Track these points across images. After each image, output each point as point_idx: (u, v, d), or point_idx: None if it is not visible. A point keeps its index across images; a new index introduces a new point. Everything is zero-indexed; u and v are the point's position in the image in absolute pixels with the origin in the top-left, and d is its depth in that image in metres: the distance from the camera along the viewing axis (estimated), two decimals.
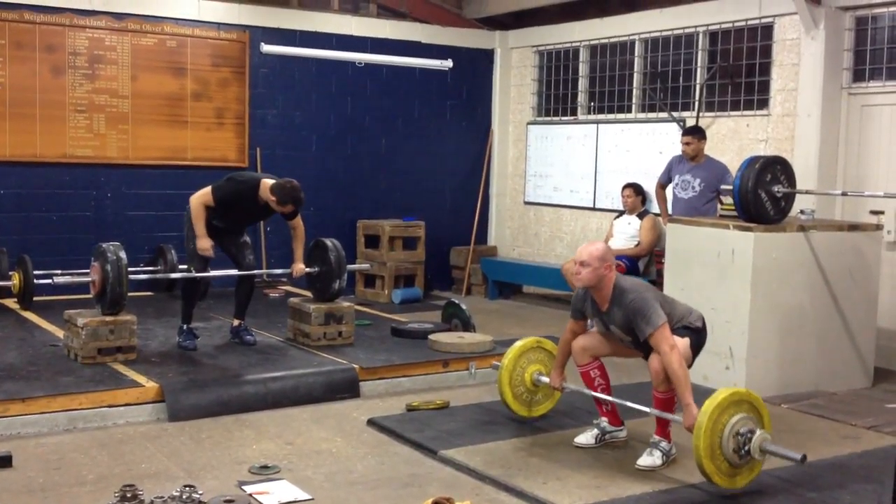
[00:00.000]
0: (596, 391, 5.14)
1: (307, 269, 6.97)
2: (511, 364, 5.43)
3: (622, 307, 4.78)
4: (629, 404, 4.99)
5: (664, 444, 4.79)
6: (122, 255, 6.19)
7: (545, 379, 5.40)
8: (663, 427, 4.82)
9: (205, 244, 6.56)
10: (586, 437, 5.13)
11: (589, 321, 5.16)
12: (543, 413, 5.62)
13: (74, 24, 8.87)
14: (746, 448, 4.33)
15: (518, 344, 5.50)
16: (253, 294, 7.02)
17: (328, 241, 7.01)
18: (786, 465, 4.86)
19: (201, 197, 6.58)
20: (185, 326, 6.76)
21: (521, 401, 5.51)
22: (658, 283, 6.88)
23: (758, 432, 4.34)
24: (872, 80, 7.68)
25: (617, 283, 4.83)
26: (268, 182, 6.53)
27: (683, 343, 4.75)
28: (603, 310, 4.90)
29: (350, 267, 7.28)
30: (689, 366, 4.78)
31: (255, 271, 7.04)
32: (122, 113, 9.14)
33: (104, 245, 6.27)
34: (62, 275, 7.34)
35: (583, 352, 5.13)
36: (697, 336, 4.88)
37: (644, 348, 4.86)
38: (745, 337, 6.24)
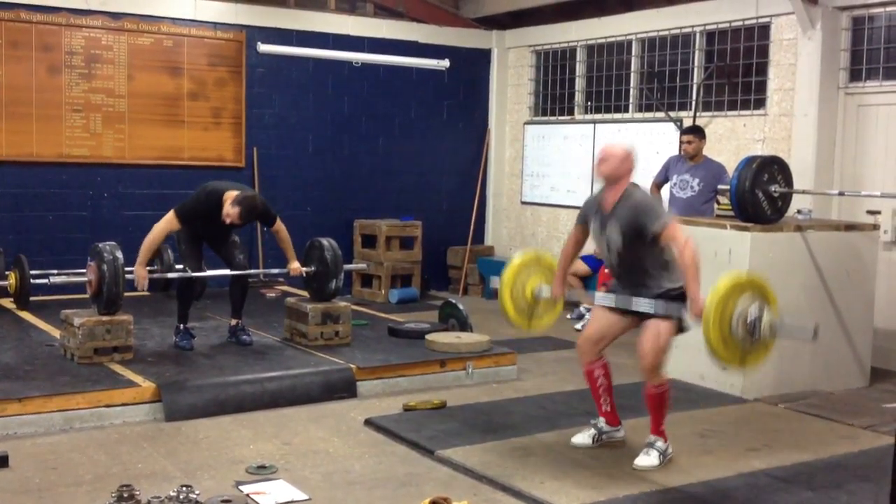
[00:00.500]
0: (598, 391, 5.12)
1: (304, 269, 6.96)
2: (511, 279, 5.36)
3: (629, 205, 4.74)
4: (635, 300, 4.77)
5: (660, 443, 4.79)
6: (119, 254, 6.18)
7: (546, 293, 5.33)
8: (658, 425, 4.80)
9: (141, 272, 6.42)
10: (583, 437, 5.13)
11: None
12: (545, 326, 5.52)
13: (71, 24, 8.86)
14: (757, 332, 4.32)
15: (517, 259, 5.43)
16: (247, 293, 7.00)
17: (325, 241, 7.00)
18: (783, 464, 4.87)
19: (165, 223, 6.46)
20: (181, 326, 6.75)
21: (522, 315, 5.41)
22: None
23: (766, 314, 4.33)
24: (869, 79, 7.69)
25: (629, 188, 4.82)
26: (231, 193, 6.43)
27: (667, 329, 4.67)
28: (607, 210, 4.83)
29: (347, 267, 7.27)
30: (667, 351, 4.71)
31: (249, 271, 7.03)
32: (119, 112, 9.13)
33: (100, 245, 6.26)
34: (59, 274, 7.35)
35: (589, 345, 5.04)
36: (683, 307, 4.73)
37: (632, 255, 4.74)
38: None
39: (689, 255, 4.52)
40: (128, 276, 6.27)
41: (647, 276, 4.77)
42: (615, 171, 4.82)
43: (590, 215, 4.99)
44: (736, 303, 4.32)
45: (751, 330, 4.31)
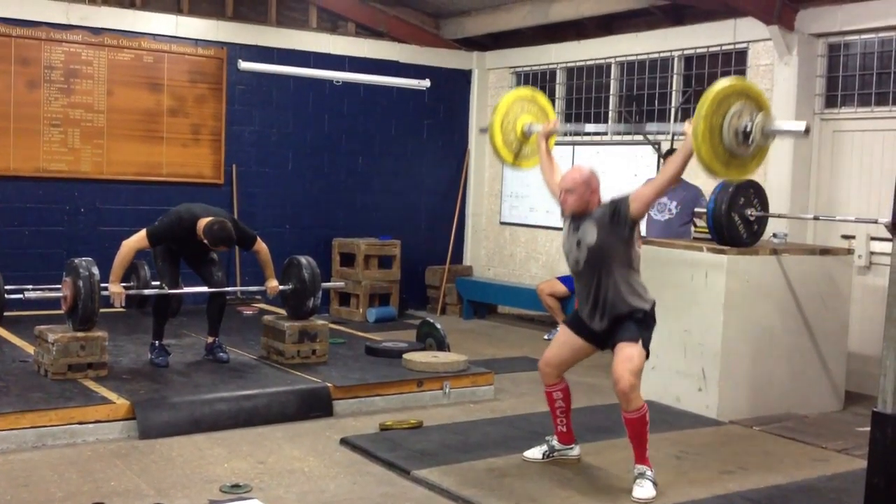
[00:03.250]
0: (556, 412, 5.14)
1: (281, 287, 6.94)
2: (505, 108, 5.34)
3: (605, 203, 4.72)
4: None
5: (649, 472, 4.70)
6: (95, 270, 6.14)
7: (537, 127, 5.30)
8: (643, 453, 4.73)
9: (116, 289, 6.35)
10: (535, 452, 5.18)
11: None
12: (529, 167, 5.57)
13: (51, 38, 8.83)
14: (750, 136, 4.32)
15: (513, 92, 5.50)
16: (224, 311, 6.96)
17: (303, 259, 6.99)
18: (757, 486, 4.89)
19: (135, 241, 6.41)
20: (156, 343, 6.71)
21: (509, 148, 5.45)
22: None
23: (758, 117, 4.33)
24: (844, 106, 7.79)
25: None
26: (203, 221, 6.39)
27: (638, 352, 4.65)
28: (581, 218, 4.79)
29: (325, 285, 7.25)
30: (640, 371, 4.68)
31: (226, 288, 7.00)
32: (98, 128, 9.10)
33: (76, 260, 6.22)
34: (33, 290, 7.26)
35: (551, 368, 5.07)
36: (649, 330, 4.76)
37: (602, 253, 4.69)
38: (717, 359, 6.28)
39: (666, 172, 4.55)
40: (103, 293, 6.23)
41: (613, 287, 4.70)
42: (583, 200, 4.72)
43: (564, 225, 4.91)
44: (726, 112, 4.31)
45: (743, 134, 4.30)
